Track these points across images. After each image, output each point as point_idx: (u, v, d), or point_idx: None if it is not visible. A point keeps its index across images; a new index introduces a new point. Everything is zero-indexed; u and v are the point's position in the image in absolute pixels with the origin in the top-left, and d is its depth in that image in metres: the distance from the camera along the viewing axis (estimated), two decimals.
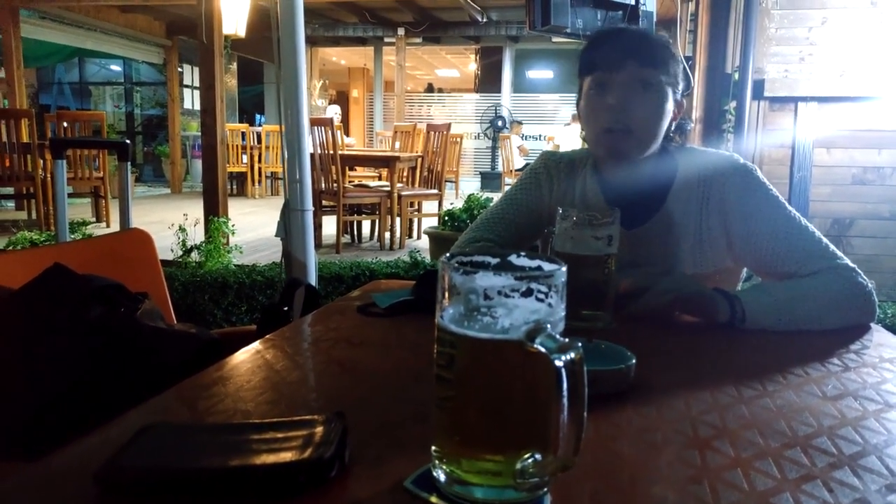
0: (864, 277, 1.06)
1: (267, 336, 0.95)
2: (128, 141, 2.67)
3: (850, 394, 0.76)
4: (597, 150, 1.20)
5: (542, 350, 0.43)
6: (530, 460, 0.46)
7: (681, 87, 1.16)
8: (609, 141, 1.14)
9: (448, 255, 0.50)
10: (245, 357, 0.86)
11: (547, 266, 0.50)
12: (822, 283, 1.04)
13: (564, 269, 0.48)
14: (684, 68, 1.20)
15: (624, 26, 1.23)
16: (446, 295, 0.48)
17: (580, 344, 0.43)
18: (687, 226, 1.16)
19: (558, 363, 0.42)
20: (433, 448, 0.52)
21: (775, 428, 0.66)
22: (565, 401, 0.42)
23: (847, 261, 1.08)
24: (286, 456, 0.52)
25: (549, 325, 0.45)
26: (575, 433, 0.42)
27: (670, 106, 1.14)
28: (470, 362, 0.48)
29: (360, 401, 0.72)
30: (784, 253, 1.09)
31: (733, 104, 3.66)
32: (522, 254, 0.52)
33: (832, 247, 1.10)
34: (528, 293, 0.47)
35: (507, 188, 9.21)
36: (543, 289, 0.47)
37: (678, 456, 0.59)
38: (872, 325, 1.07)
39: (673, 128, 1.19)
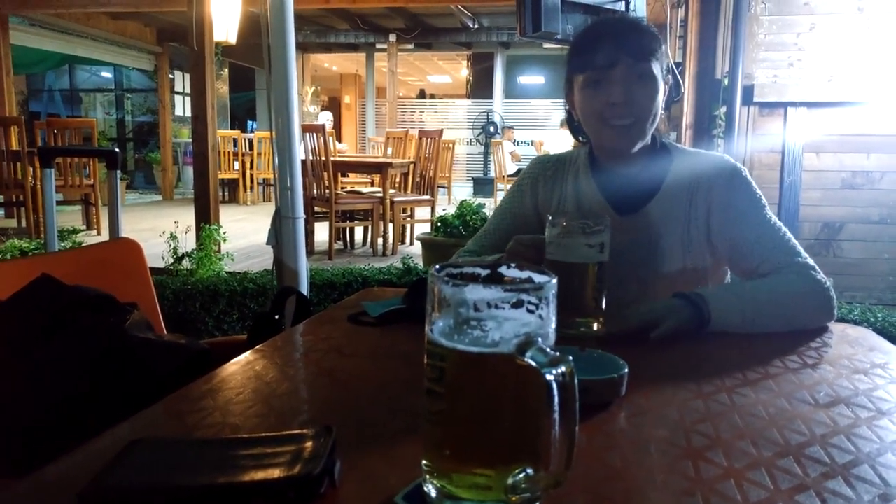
0: (823, 276, 1.10)
1: (257, 346, 0.94)
2: (117, 149, 2.66)
3: (842, 401, 0.76)
4: (601, 144, 1.23)
5: (533, 364, 0.43)
6: (522, 475, 0.46)
7: (667, 63, 1.20)
8: (614, 135, 1.17)
9: (438, 266, 0.50)
10: (235, 369, 0.85)
11: (537, 277, 0.50)
12: (784, 282, 1.08)
13: (555, 280, 0.47)
14: (673, 70, 1.22)
15: (612, 18, 1.26)
16: (436, 307, 0.48)
17: (571, 357, 0.43)
18: (677, 216, 1.20)
19: (549, 377, 0.42)
20: (424, 462, 0.51)
21: (768, 437, 0.66)
22: (557, 415, 0.41)
23: (810, 260, 1.12)
24: (275, 472, 0.51)
25: (539, 339, 0.44)
26: (567, 448, 0.42)
27: (663, 89, 1.18)
28: (460, 376, 0.47)
29: (351, 413, 0.72)
30: (753, 245, 1.14)
31: (723, 109, 3.68)
32: (513, 265, 0.52)
33: (799, 247, 1.14)
34: (518, 305, 0.46)
35: (499, 193, 9.14)
36: (534, 300, 0.46)
37: (672, 467, 0.59)
38: (864, 329, 1.08)
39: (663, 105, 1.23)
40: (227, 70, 10.25)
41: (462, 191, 10.76)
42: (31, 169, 5.78)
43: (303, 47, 10.79)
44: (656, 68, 1.15)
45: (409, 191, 5.96)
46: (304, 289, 2.41)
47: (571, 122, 1.30)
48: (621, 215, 1.21)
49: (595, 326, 0.97)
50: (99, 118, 12.45)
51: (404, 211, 5.68)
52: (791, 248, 1.13)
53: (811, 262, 1.12)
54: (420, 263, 4.15)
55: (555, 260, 0.96)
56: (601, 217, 0.96)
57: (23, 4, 7.28)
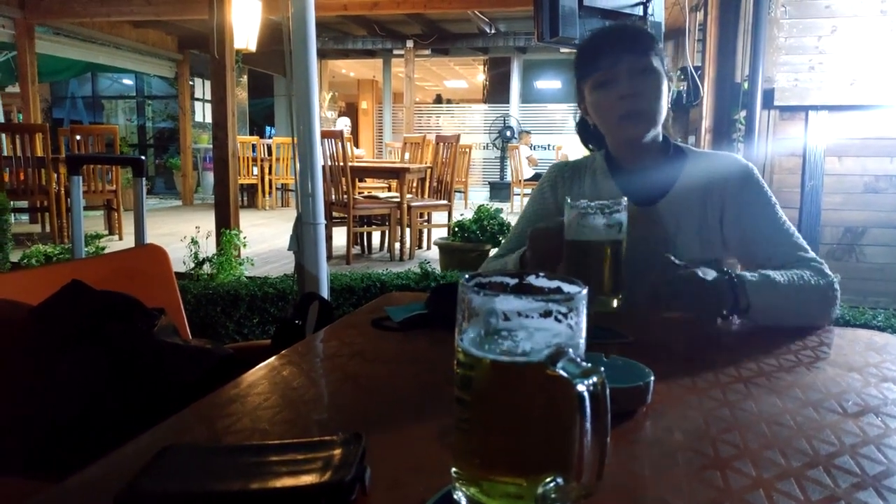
0: (832, 273, 1.16)
1: (282, 352, 0.95)
2: (143, 157, 2.70)
3: (871, 410, 0.75)
4: (618, 136, 1.30)
5: (564, 375, 0.43)
6: (552, 485, 0.46)
7: (666, 60, 1.29)
8: (626, 126, 1.25)
9: (468, 276, 0.50)
10: (261, 374, 0.86)
11: (566, 287, 0.50)
12: (806, 276, 1.13)
13: (585, 291, 0.48)
14: (692, 74, 1.30)
15: (608, 26, 1.42)
16: (466, 317, 0.48)
17: (602, 368, 0.43)
18: (692, 212, 1.26)
19: (581, 388, 0.42)
20: (453, 470, 0.51)
21: (796, 447, 0.65)
22: (588, 426, 0.42)
23: (815, 255, 1.19)
24: (306, 479, 0.52)
25: (570, 349, 0.45)
26: (598, 458, 0.42)
27: (666, 82, 1.26)
28: (490, 385, 0.48)
29: (378, 419, 0.72)
30: (764, 240, 1.22)
31: (743, 113, 3.65)
32: (541, 274, 0.52)
33: (805, 244, 1.21)
34: (547, 314, 0.47)
35: (516, 198, 9.10)
36: (563, 310, 0.47)
37: (699, 477, 0.59)
38: (891, 336, 1.07)
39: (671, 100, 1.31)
40: (246, 77, 10.36)
41: (479, 195, 10.76)
42: (56, 175, 5.89)
43: (321, 54, 10.88)
44: (657, 62, 1.23)
45: (426, 196, 5.98)
46: (325, 293, 2.43)
47: (583, 130, 1.38)
48: (637, 205, 1.26)
49: (615, 303, 1.01)
50: (120, 124, 12.65)
51: (421, 216, 5.70)
52: (800, 245, 1.20)
53: (819, 258, 1.18)
54: (437, 268, 4.16)
55: (574, 240, 1.00)
56: (618, 199, 0.99)
57: (49, 14, 7.42)
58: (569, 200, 1.00)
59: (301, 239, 2.30)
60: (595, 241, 0.98)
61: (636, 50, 1.22)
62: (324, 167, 5.15)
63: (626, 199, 1.00)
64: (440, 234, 5.60)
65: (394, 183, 6.14)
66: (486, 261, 1.38)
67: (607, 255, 0.99)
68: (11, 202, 5.27)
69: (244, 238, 4.53)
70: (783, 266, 1.15)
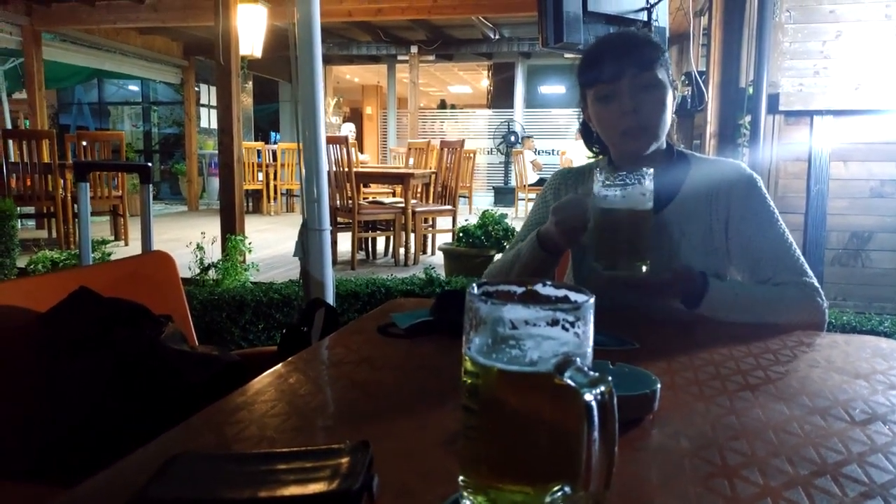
0: (823, 299, 1.18)
1: (289, 359, 0.95)
2: (149, 164, 2.71)
3: (878, 418, 0.75)
4: (620, 149, 1.30)
5: (572, 384, 0.43)
6: (560, 494, 0.46)
7: (671, 69, 1.29)
8: (628, 142, 1.25)
9: (475, 284, 0.50)
10: (268, 381, 0.86)
11: (574, 296, 0.50)
12: (783, 291, 1.18)
13: (592, 300, 0.48)
14: (696, 79, 1.32)
15: (613, 34, 1.41)
16: (473, 325, 0.49)
17: (609, 377, 0.43)
18: (698, 218, 1.26)
19: (588, 397, 0.42)
20: (461, 478, 0.52)
21: (804, 455, 0.65)
22: (596, 435, 0.42)
23: (815, 281, 1.20)
24: (315, 487, 0.52)
25: (578, 358, 0.45)
26: (606, 468, 0.42)
27: (671, 94, 1.24)
28: (498, 394, 0.48)
29: (385, 427, 0.72)
30: (766, 259, 1.22)
31: (748, 118, 3.65)
32: (548, 283, 0.52)
33: (807, 266, 1.22)
34: (554, 323, 0.47)
35: (521, 203, 9.08)
36: (570, 319, 0.47)
37: (707, 485, 0.59)
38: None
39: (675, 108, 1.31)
40: (251, 82, 10.40)
41: (483, 200, 10.77)
42: (62, 181, 5.93)
43: (326, 59, 10.88)
44: (661, 74, 1.22)
45: (430, 201, 5.98)
46: (331, 299, 2.43)
47: (586, 133, 1.38)
48: None
49: (644, 269, 1.06)
50: (126, 130, 12.71)
51: (426, 221, 5.71)
52: (800, 267, 1.20)
53: (816, 283, 1.19)
54: (442, 273, 4.16)
55: (603, 208, 1.03)
56: (647, 169, 1.03)
57: (55, 21, 7.48)
58: (597, 171, 1.03)
59: (306, 245, 2.31)
60: (624, 209, 1.01)
61: (641, 63, 1.20)
62: (329, 173, 5.16)
63: (652, 169, 1.03)
64: (445, 239, 5.61)
65: (398, 188, 6.16)
66: (490, 266, 1.36)
67: (636, 222, 1.02)
68: (18, 208, 5.30)
69: (249, 243, 4.54)
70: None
